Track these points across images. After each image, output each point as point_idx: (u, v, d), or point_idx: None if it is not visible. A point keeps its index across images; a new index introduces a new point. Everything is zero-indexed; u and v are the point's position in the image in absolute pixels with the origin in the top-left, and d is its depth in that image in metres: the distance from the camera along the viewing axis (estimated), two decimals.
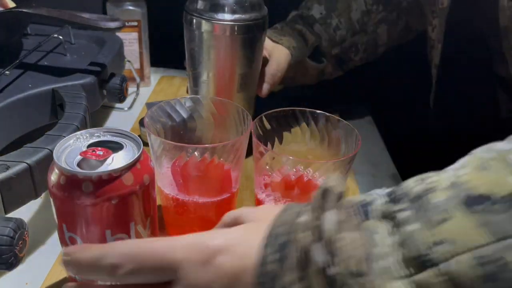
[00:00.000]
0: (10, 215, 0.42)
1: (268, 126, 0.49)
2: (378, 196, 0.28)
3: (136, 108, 0.80)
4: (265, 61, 0.67)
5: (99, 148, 0.36)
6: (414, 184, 0.27)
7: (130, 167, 0.35)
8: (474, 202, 0.24)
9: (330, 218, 0.26)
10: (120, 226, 0.36)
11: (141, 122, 0.69)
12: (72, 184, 0.34)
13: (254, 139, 0.45)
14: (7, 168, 0.42)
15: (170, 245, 0.30)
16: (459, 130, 0.74)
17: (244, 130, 0.48)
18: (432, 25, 0.67)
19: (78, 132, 0.38)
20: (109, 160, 0.35)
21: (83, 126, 0.52)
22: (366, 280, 0.24)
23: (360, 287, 0.24)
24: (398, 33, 0.77)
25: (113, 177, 0.34)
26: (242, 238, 0.30)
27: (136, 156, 0.35)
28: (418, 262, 0.23)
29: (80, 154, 0.35)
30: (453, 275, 0.23)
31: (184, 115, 0.51)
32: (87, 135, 0.38)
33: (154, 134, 0.45)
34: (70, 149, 0.36)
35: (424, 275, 0.23)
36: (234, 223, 0.34)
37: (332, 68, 0.78)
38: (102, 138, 0.38)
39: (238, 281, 0.28)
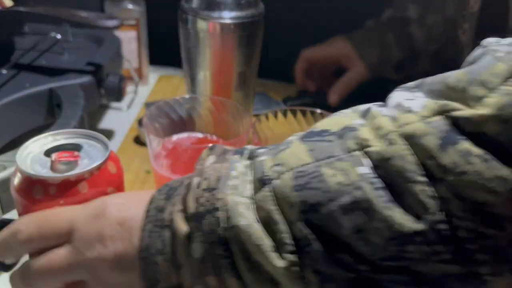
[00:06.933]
0: (8, 215, 0.42)
1: (268, 125, 0.49)
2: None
3: (135, 108, 0.80)
4: (344, 67, 0.70)
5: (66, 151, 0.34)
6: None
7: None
8: (312, 135, 0.27)
9: (209, 160, 0.31)
10: None
11: (140, 122, 0.69)
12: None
13: (254, 139, 0.45)
14: (4, 168, 0.42)
15: (70, 208, 0.32)
16: None
17: (243, 130, 0.48)
18: (463, 29, 0.67)
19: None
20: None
21: (81, 125, 0.52)
22: (218, 192, 0.27)
23: (213, 198, 0.27)
24: None
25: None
26: (135, 195, 0.33)
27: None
28: (260, 182, 0.27)
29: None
30: (275, 189, 0.26)
31: (183, 115, 0.51)
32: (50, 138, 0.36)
33: (153, 134, 0.44)
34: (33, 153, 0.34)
35: (262, 192, 0.26)
36: None
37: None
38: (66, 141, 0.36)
39: (127, 222, 0.29)
